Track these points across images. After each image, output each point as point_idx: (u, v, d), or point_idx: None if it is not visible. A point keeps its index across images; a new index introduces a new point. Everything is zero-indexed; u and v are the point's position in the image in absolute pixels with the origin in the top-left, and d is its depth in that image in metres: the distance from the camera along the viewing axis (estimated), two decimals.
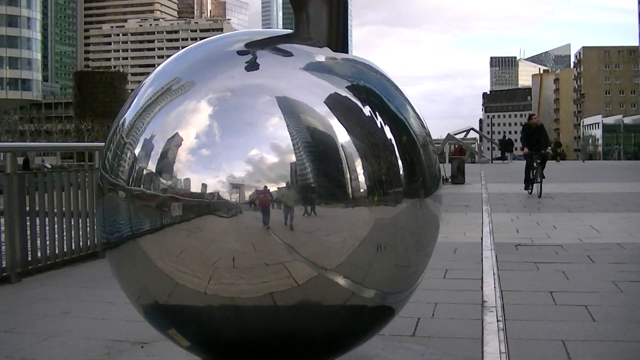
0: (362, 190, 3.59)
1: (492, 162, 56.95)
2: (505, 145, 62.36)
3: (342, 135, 3.59)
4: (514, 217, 14.59)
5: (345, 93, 3.78)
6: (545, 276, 8.02)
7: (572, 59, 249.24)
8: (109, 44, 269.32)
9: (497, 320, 5.86)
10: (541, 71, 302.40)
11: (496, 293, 6.94)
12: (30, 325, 6.06)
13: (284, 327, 3.71)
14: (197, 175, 3.51)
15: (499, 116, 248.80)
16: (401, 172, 3.78)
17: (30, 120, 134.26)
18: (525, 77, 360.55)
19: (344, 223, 3.59)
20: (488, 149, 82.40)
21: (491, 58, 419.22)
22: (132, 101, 3.98)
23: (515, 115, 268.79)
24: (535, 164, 20.86)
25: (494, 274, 7.95)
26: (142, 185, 3.64)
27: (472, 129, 58.12)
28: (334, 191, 3.55)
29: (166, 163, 3.59)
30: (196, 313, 3.70)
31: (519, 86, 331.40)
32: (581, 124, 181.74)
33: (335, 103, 3.71)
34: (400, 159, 3.78)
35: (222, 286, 3.53)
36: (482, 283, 7.48)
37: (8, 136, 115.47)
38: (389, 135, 3.78)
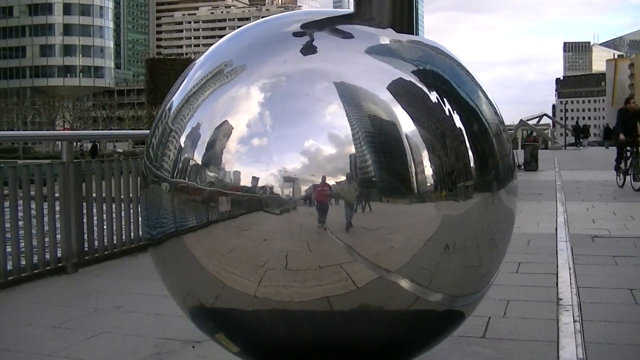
0: (428, 185, 3.25)
1: (565, 149, 55.73)
2: (581, 131, 61.00)
3: (406, 125, 3.25)
4: (590, 207, 14.05)
5: (410, 78, 3.43)
6: (624, 272, 7.58)
7: None
8: (181, 31, 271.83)
9: (574, 321, 5.47)
10: (615, 56, 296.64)
11: (572, 290, 6.53)
12: (79, 320, 5.84)
13: (341, 334, 3.39)
14: (247, 168, 3.20)
15: (572, 102, 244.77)
16: (472, 163, 3.42)
17: (102, 107, 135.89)
18: (599, 62, 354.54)
19: (408, 220, 3.25)
20: (561, 134, 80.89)
21: (564, 43, 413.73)
22: (181, 84, 3.70)
23: (589, 101, 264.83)
24: (628, 154, 18.80)
25: (569, 269, 7.53)
26: (187, 178, 3.36)
27: (545, 114, 57.08)
28: (397, 186, 3.22)
29: (213, 154, 3.30)
30: (245, 317, 3.39)
31: (593, 72, 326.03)
32: None
33: (399, 89, 3.36)
34: (471, 150, 3.42)
35: (273, 289, 3.22)
36: (557, 279, 7.07)
37: (80, 122, 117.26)
38: (459, 123, 3.42)
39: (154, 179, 3.54)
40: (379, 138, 3.21)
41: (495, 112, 3.73)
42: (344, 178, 3.13)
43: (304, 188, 3.13)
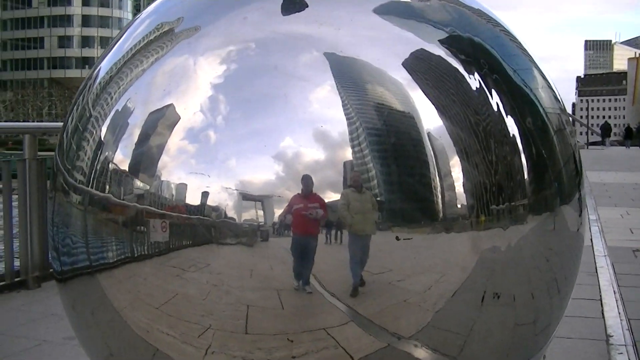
0: (459, 207, 2.22)
1: (587, 148, 54.47)
2: (604, 130, 59.87)
3: (430, 118, 2.23)
4: (624, 213, 12.96)
5: (438, 50, 2.37)
6: None
7: None
8: None
9: None
10: (637, 55, 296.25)
11: (622, 324, 5.44)
12: (18, 358, 4.72)
13: None
14: (192, 178, 2.18)
15: (592, 100, 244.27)
16: (525, 174, 2.38)
17: None
18: (620, 61, 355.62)
19: (430, 259, 2.21)
20: (581, 133, 79.87)
21: (586, 41, 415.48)
22: (111, 50, 2.67)
23: (610, 100, 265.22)
24: None
25: (614, 293, 6.44)
26: (106, 188, 2.33)
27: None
28: (414, 208, 2.19)
29: (145, 155, 2.28)
30: None
31: (614, 70, 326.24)
32: None
33: (421, 66, 2.34)
34: (524, 154, 2.38)
35: None
36: (601, 306, 5.97)
37: None
38: (507, 117, 2.36)
39: (63, 185, 2.50)
40: (388, 138, 2.19)
41: (556, 98, 2.67)
42: (335, 197, 2.09)
43: (276, 211, 2.11)
